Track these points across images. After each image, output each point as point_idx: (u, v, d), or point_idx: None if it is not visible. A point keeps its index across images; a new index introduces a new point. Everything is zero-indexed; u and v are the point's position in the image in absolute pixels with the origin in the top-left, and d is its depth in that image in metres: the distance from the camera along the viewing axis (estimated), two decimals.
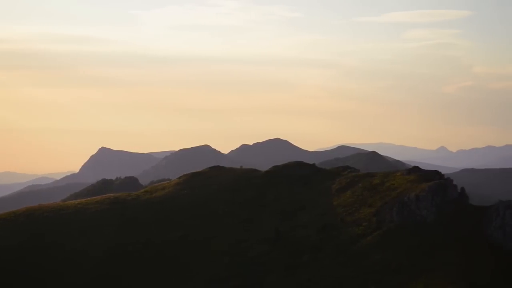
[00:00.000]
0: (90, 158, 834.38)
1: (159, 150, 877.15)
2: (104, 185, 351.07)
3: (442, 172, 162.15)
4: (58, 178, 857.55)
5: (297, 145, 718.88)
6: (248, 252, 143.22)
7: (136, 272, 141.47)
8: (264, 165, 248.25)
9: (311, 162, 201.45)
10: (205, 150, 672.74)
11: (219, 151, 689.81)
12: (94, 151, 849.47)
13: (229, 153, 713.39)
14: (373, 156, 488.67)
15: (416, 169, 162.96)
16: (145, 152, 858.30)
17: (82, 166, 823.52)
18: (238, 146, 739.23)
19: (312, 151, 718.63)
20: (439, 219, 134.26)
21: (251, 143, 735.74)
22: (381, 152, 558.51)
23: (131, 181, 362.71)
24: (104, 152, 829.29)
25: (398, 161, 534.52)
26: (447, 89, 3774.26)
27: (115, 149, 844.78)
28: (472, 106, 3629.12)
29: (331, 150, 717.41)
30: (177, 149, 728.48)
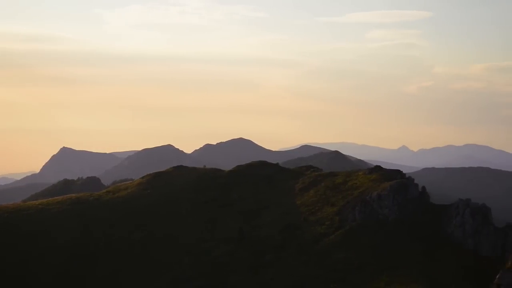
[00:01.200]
0: (51, 158, 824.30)
1: (122, 150, 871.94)
2: (66, 185, 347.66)
3: (404, 171, 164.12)
4: (18, 178, 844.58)
5: (260, 145, 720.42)
6: (211, 252, 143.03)
7: (99, 273, 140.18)
8: (227, 165, 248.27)
9: (274, 162, 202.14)
10: (168, 149, 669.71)
11: (182, 151, 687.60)
12: (55, 151, 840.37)
13: (192, 152, 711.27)
14: (336, 155, 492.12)
15: (378, 169, 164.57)
16: (107, 152, 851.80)
17: (43, 166, 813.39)
18: (201, 146, 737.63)
19: (275, 151, 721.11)
20: (401, 218, 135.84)
21: (214, 143, 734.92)
22: (344, 151, 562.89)
23: (93, 181, 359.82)
24: (65, 152, 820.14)
25: (360, 160, 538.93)
26: (409, 89, 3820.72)
27: (77, 149, 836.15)
28: (433, 106, 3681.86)
29: (294, 149, 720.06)
30: (139, 148, 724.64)
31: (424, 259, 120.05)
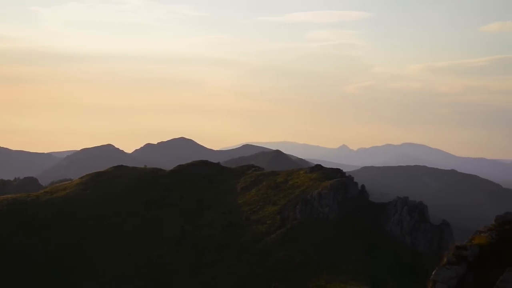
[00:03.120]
0: None
1: (60, 150, 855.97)
2: (2, 186, 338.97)
3: (344, 170, 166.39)
4: None
5: (202, 144, 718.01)
6: (153, 252, 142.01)
7: (37, 274, 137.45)
8: (169, 165, 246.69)
9: (216, 161, 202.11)
10: (108, 149, 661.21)
11: (123, 151, 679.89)
12: None
13: (133, 152, 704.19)
14: (277, 154, 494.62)
15: (318, 167, 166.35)
16: (45, 152, 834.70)
17: None
18: (142, 146, 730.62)
19: (217, 150, 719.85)
20: (341, 216, 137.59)
21: (155, 142, 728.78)
22: (285, 150, 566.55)
23: (30, 182, 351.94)
24: (1, 152, 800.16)
25: (301, 159, 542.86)
26: (348, 89, 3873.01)
27: (13, 149, 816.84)
28: (372, 106, 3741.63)
29: (235, 149, 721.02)
30: (79, 148, 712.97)
31: (363, 257, 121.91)
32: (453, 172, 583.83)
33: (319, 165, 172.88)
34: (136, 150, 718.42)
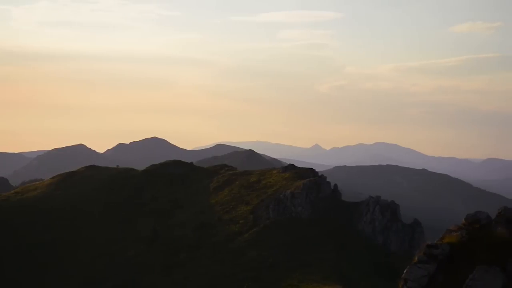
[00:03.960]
0: None
1: (31, 150, 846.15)
2: None
3: (316, 170, 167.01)
4: None
5: (175, 144, 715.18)
6: (124, 252, 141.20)
7: (7, 275, 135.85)
8: (141, 164, 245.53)
9: (188, 161, 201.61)
10: (79, 149, 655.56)
11: (95, 150, 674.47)
12: None
13: (105, 152, 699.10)
14: (250, 154, 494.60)
15: (291, 167, 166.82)
16: (15, 151, 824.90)
17: None
18: (114, 145, 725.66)
19: (189, 150, 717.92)
20: (314, 215, 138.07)
21: (128, 142, 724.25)
22: (258, 150, 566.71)
23: (0, 182, 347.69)
24: None
25: (274, 159, 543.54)
26: (321, 89, 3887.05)
27: None
28: (345, 105, 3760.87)
29: (208, 148, 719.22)
30: (50, 148, 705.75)
31: (336, 256, 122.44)
32: (424, 172, 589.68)
33: (292, 164, 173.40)
34: (108, 150, 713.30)
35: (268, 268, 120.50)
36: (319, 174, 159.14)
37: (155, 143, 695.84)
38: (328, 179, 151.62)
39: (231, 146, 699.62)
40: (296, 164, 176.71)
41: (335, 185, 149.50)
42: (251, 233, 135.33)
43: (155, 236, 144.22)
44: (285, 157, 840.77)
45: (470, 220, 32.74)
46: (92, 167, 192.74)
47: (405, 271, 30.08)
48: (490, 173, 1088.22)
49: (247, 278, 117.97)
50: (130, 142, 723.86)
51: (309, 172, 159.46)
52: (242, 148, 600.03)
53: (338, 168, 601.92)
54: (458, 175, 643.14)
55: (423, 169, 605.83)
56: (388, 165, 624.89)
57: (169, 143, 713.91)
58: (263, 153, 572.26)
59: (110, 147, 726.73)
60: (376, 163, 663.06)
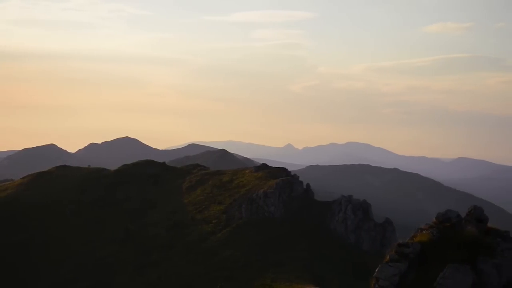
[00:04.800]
0: None
1: (1, 150, 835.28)
2: None
3: (289, 169, 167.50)
4: None
5: (147, 144, 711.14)
6: (96, 252, 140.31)
7: None
8: (113, 164, 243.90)
9: (161, 161, 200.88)
10: (50, 149, 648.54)
11: (66, 150, 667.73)
12: None
13: (76, 152, 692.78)
14: (223, 154, 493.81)
15: (264, 167, 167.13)
16: None
17: None
18: (85, 145, 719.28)
19: (162, 150, 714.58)
20: (286, 215, 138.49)
21: (99, 142, 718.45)
22: (231, 150, 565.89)
23: None
24: None
25: (247, 158, 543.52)
26: (293, 88, 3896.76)
27: None
28: (317, 105, 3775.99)
29: (181, 148, 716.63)
30: (20, 148, 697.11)
31: (308, 255, 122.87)
32: (395, 171, 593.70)
33: (265, 164, 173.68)
34: (79, 150, 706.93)
35: (241, 268, 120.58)
36: (292, 173, 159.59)
37: (127, 143, 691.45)
38: (300, 179, 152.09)
39: (204, 145, 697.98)
40: (268, 164, 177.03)
41: (308, 185, 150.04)
42: (224, 233, 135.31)
43: (128, 236, 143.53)
44: (258, 156, 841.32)
45: (441, 219, 33.20)
46: (64, 167, 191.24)
47: (377, 270, 30.42)
48: (461, 172, 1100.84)
49: (220, 277, 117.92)
50: (102, 142, 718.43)
51: (282, 171, 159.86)
52: (215, 148, 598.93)
53: (310, 168, 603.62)
54: (429, 174, 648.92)
55: (395, 169, 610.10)
56: (360, 165, 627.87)
57: (141, 142, 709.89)
58: (236, 153, 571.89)
59: (82, 147, 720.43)
60: (349, 163, 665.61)
